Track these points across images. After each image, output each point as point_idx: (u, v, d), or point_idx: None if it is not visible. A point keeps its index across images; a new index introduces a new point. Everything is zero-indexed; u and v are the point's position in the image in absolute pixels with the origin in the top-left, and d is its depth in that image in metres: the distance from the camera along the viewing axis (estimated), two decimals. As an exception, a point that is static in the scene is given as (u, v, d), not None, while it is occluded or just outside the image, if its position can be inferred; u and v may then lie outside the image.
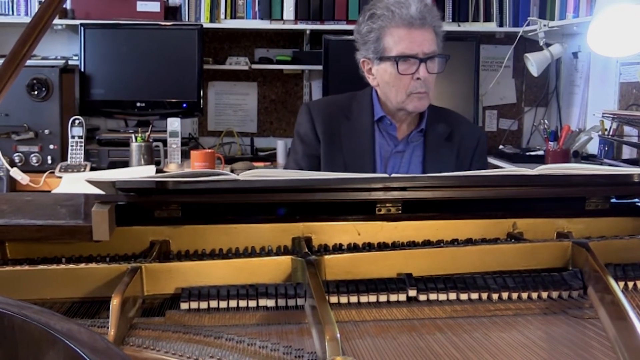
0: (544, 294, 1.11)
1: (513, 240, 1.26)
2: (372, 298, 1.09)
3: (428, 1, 2.02)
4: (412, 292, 1.09)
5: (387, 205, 1.30)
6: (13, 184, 2.99)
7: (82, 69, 3.45)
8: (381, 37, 1.95)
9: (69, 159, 3.18)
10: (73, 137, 3.18)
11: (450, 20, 3.67)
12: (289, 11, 3.60)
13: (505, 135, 3.94)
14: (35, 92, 3.16)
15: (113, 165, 3.25)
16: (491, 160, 3.45)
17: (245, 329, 1.02)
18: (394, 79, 1.95)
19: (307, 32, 3.70)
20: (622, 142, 3.02)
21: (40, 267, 1.09)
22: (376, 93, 2.06)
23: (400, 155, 2.05)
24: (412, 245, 1.27)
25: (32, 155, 3.19)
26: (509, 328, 1.03)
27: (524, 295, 1.10)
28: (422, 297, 1.09)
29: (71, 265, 1.09)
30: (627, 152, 3.04)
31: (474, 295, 1.10)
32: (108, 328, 0.93)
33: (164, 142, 3.25)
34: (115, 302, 0.95)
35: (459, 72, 3.47)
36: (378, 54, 1.97)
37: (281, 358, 0.91)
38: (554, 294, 1.11)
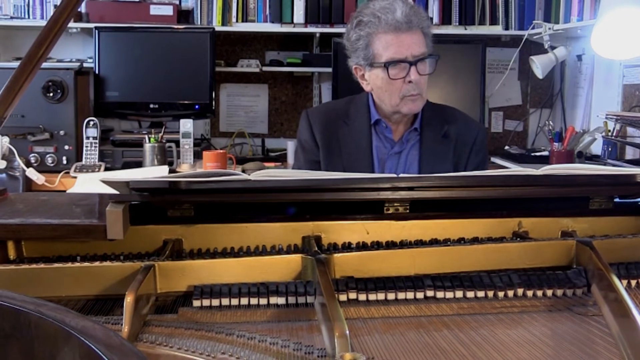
0: (549, 292, 1.12)
1: (518, 239, 1.26)
2: (381, 296, 1.10)
3: (412, 3, 1.99)
4: (420, 295, 1.10)
5: (395, 204, 1.31)
6: (29, 184, 3.01)
7: (97, 71, 3.47)
8: (370, 44, 1.94)
9: (83, 160, 3.20)
10: (88, 138, 3.20)
11: (457, 24, 3.67)
12: (299, 15, 3.61)
13: (510, 136, 3.94)
14: (51, 94, 3.18)
15: (127, 165, 3.26)
16: (497, 160, 3.46)
17: (256, 325, 1.03)
18: (386, 83, 1.94)
19: (317, 35, 3.71)
20: (625, 143, 3.01)
21: (56, 265, 1.11)
22: (372, 97, 2.06)
23: (397, 157, 2.05)
24: (419, 244, 1.28)
25: (47, 155, 3.21)
26: (515, 325, 1.04)
27: (529, 293, 1.12)
28: (430, 295, 1.10)
29: (86, 264, 1.11)
30: (630, 153, 3.04)
31: (480, 293, 1.11)
32: (122, 325, 0.95)
33: (177, 142, 3.26)
34: (129, 300, 0.96)
35: (466, 74, 3.48)
36: (368, 61, 1.96)
37: (291, 354, 0.92)
38: (559, 292, 1.12)
